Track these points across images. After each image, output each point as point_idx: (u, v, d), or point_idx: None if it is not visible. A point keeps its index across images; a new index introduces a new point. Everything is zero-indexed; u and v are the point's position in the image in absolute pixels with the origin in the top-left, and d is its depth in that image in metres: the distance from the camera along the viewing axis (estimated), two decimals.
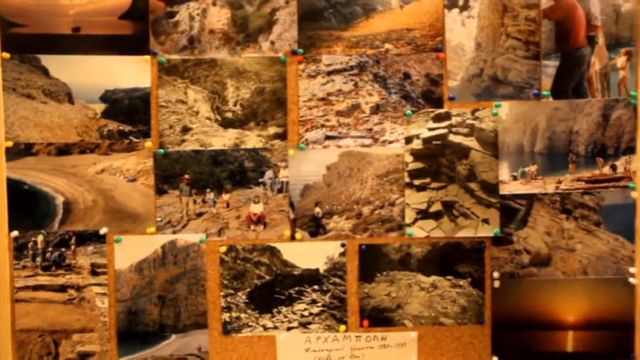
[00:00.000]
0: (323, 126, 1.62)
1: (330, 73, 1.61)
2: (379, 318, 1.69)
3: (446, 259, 1.67)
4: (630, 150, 1.64)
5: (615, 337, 1.69)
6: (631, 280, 1.67)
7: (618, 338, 1.69)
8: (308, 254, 1.66)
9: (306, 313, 1.68)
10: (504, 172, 1.65)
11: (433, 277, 1.68)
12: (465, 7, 1.60)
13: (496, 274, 1.67)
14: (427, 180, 1.65)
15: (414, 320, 1.68)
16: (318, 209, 1.65)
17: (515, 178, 1.65)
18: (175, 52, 1.59)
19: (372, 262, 1.67)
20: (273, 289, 1.67)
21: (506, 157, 1.65)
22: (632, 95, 1.62)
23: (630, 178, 1.65)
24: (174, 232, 1.64)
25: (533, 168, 1.65)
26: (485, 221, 1.66)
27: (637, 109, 1.63)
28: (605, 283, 1.68)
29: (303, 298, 1.68)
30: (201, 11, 1.57)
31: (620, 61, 1.62)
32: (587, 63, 1.62)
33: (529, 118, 1.63)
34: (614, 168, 1.65)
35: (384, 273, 1.68)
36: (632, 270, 1.67)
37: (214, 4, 1.57)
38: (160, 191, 1.63)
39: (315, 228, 1.66)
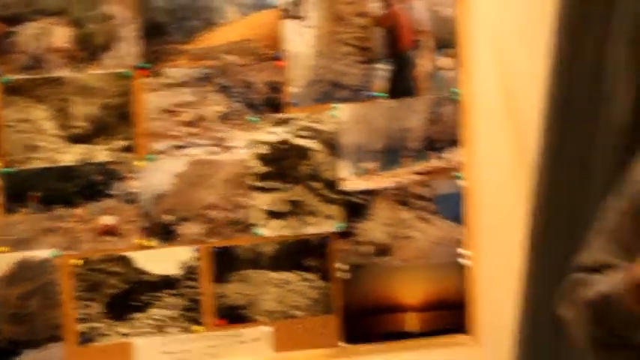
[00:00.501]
0: (170, 137, 2.10)
1: (175, 86, 2.08)
2: (234, 316, 2.19)
3: (295, 255, 2.20)
4: (456, 143, 2.27)
5: (452, 315, 2.30)
6: (462, 261, 2.32)
7: (454, 316, 2.30)
8: (162, 261, 2.15)
9: (162, 317, 2.18)
10: (345, 170, 2.21)
11: (284, 274, 2.23)
12: (301, 17, 2.13)
13: (343, 266, 2.25)
14: (273, 182, 2.18)
15: (269, 315, 2.22)
16: (169, 216, 2.14)
17: (356, 175, 2.23)
18: (19, 72, 1.99)
19: (225, 263, 2.17)
20: (129, 297, 2.14)
21: (348, 156, 2.18)
22: (455, 93, 2.24)
23: (458, 169, 2.28)
24: (26, 250, 2.07)
25: (373, 165, 2.23)
26: (330, 217, 2.23)
27: (460, 105, 2.25)
28: (442, 266, 2.28)
29: (158, 303, 2.18)
30: (43, 30, 1.98)
31: (444, 62, 2.23)
32: (415, 64, 2.21)
33: (367, 119, 2.19)
34: (443, 160, 2.28)
35: (238, 273, 2.21)
36: (462, 252, 2.32)
37: (57, 23, 1.99)
38: (9, 210, 2.05)
39: (168, 235, 2.15)
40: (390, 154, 2.01)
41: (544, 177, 1.89)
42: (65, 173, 1.84)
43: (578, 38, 1.82)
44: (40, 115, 1.81)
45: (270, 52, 1.90)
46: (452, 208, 2.06)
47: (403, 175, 2.02)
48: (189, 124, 1.88)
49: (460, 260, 2.08)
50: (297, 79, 1.91)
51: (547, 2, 1.82)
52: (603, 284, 1.14)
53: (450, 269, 2.08)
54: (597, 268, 1.19)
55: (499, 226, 2.10)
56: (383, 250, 2.04)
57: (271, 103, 1.92)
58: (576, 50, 1.83)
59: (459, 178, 2.04)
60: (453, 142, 2.03)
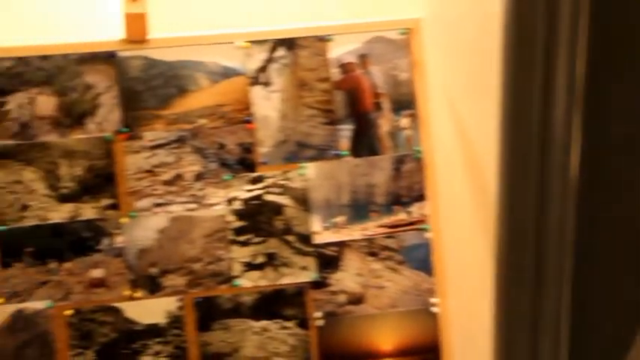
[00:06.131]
0: (151, 195, 1.97)
1: (153, 148, 1.96)
2: None
3: (273, 304, 2.03)
4: (422, 197, 2.07)
5: None
6: (433, 309, 2.07)
7: None
8: (149, 310, 1.99)
9: None
10: (316, 224, 2.03)
11: (263, 322, 2.03)
12: (267, 84, 2.00)
13: (318, 314, 2.04)
14: (250, 236, 2.01)
15: None
16: (153, 269, 1.99)
17: (326, 229, 2.04)
18: (8, 138, 1.92)
19: (208, 312, 2.01)
20: (119, 345, 1.98)
21: (317, 211, 2.03)
22: (417, 150, 2.05)
23: (424, 221, 2.07)
24: (21, 301, 1.94)
25: (341, 218, 2.04)
26: (304, 268, 2.03)
27: (422, 161, 2.06)
28: (412, 313, 2.07)
29: (147, 350, 2.00)
30: (29, 100, 1.91)
31: (405, 122, 2.05)
32: (376, 125, 2.04)
33: (333, 176, 2.03)
34: (409, 213, 2.07)
35: (219, 321, 2.02)
36: (433, 300, 2.07)
37: (41, 93, 1.91)
38: (5, 264, 1.93)
39: (153, 286, 1.99)
40: (358, 209, 1.84)
41: (504, 225, 1.68)
42: (56, 230, 1.71)
43: (523, 89, 1.63)
44: (30, 176, 1.70)
45: (241, 116, 1.77)
46: (419, 258, 1.86)
47: (371, 228, 1.83)
48: (168, 182, 1.74)
49: (431, 308, 1.84)
50: (266, 140, 1.78)
51: (494, 59, 1.64)
52: None
53: (421, 316, 1.87)
54: None
55: (466, 273, 1.86)
56: (356, 299, 1.84)
57: (244, 163, 1.77)
58: (522, 101, 1.64)
59: (425, 230, 1.83)
60: (417, 196, 1.84)
